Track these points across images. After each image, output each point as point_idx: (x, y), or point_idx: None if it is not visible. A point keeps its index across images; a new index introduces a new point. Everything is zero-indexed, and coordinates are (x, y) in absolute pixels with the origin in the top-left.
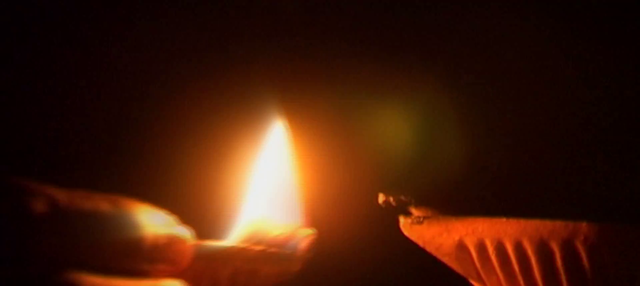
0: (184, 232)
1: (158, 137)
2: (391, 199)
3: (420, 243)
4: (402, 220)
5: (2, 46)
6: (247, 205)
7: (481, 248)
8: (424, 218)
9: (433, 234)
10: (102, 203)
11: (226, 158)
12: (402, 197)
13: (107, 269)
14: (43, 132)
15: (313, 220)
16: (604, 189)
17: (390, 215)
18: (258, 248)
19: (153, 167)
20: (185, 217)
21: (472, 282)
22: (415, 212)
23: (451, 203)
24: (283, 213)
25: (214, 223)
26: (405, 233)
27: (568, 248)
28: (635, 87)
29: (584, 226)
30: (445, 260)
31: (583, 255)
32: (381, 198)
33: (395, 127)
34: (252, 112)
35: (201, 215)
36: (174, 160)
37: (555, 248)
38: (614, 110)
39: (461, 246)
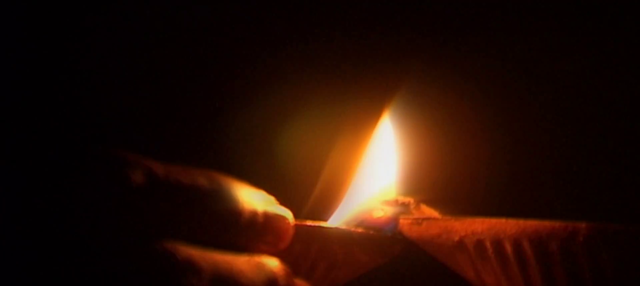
0: (283, 211)
1: (265, 120)
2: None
3: (420, 244)
4: (402, 220)
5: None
6: (350, 189)
7: (481, 249)
8: (424, 219)
9: (432, 235)
10: (199, 177)
11: (330, 145)
12: (402, 198)
13: (205, 241)
14: (147, 105)
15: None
16: (603, 189)
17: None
18: (358, 230)
19: (258, 150)
20: (287, 199)
21: (472, 283)
22: (414, 212)
23: (451, 203)
24: (385, 197)
25: (314, 206)
26: (405, 233)
27: (567, 248)
28: (635, 87)
29: (583, 227)
30: (445, 260)
31: (582, 255)
32: (380, 198)
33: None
34: (360, 101)
35: (302, 197)
36: (277, 144)
37: (555, 248)
38: (613, 110)
39: (461, 247)
